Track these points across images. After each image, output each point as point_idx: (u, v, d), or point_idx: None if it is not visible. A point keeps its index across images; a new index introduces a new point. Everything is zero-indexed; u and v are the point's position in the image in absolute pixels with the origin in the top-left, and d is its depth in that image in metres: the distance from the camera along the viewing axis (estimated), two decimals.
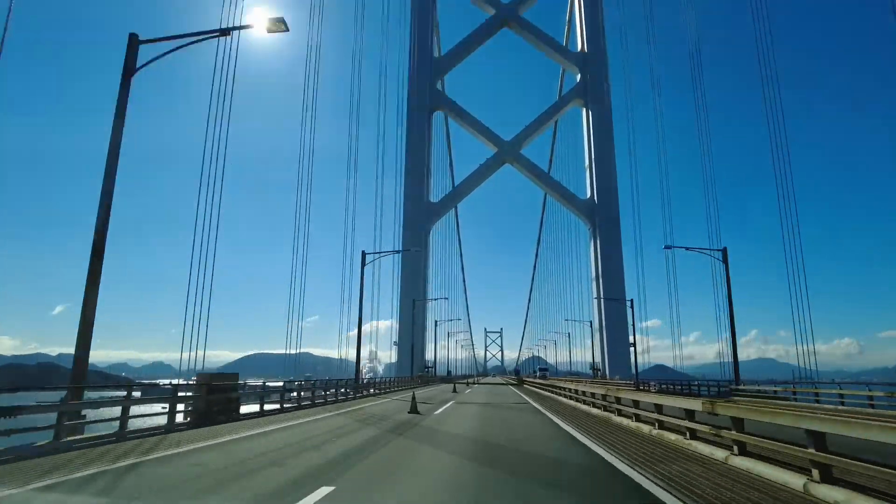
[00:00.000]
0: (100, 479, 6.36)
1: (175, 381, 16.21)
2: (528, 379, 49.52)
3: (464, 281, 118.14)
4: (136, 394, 10.85)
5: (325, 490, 5.67)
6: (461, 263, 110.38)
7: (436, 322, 73.56)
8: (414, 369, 60.41)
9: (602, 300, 75.12)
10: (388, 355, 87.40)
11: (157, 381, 17.83)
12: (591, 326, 71.84)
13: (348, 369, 47.45)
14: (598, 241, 78.26)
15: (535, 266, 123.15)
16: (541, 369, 69.52)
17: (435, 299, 71.42)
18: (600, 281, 77.47)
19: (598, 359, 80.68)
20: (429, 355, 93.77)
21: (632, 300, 49.37)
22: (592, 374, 75.71)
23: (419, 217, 78.87)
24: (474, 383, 59.25)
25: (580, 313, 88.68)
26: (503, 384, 58.53)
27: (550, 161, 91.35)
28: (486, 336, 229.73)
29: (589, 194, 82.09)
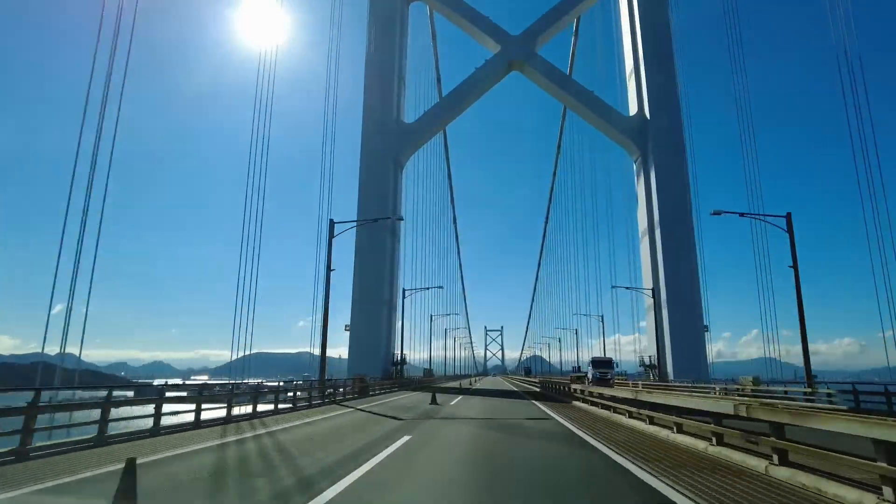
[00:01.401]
0: None
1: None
2: (579, 387, 21.35)
3: (457, 241, 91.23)
4: None
5: None
6: (453, 213, 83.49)
7: (403, 291, 47.27)
8: (350, 364, 34.48)
9: (661, 257, 49.01)
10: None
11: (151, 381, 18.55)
12: (656, 298, 45.48)
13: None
14: (654, 175, 52.01)
15: (546, 219, 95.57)
16: (597, 363, 38.19)
17: (395, 219, 44.90)
18: (656, 233, 51.25)
19: (639, 348, 54.88)
20: (423, 352, 67.42)
21: (789, 214, 23.08)
22: (645, 374, 49.89)
23: (386, 140, 52.72)
24: (459, 389, 33.31)
25: (598, 302, 62.85)
26: (513, 391, 32.45)
27: (570, 73, 64.59)
28: (487, 335, 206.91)
29: (635, 110, 55.87)
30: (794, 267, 22.66)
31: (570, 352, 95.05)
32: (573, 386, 20.70)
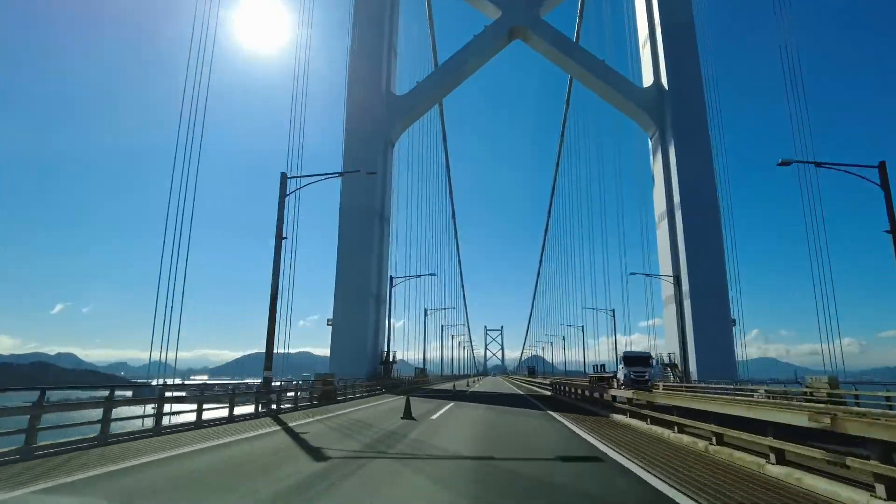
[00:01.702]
0: None
1: None
2: (625, 394, 13.44)
3: (455, 230, 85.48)
4: None
5: None
6: (450, 199, 77.61)
7: (391, 279, 41.56)
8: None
9: (683, 242, 43.40)
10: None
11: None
12: (677, 289, 39.82)
13: None
14: (673, 151, 46.42)
15: (549, 209, 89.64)
16: (631, 359, 28.64)
17: (367, 174, 39.12)
18: (676, 215, 45.67)
19: (652, 346, 49.13)
20: (422, 352, 61.67)
21: (882, 164, 17.45)
22: (663, 375, 44.19)
23: (374, 111, 47.05)
24: (452, 393, 27.60)
25: (606, 296, 57.35)
26: (518, 396, 26.82)
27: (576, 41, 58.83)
28: (487, 334, 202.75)
29: (651, 81, 50.26)
30: (893, 232, 16.97)
31: (571, 351, 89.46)
32: (613, 392, 14.61)
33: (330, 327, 43.18)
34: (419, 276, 42.99)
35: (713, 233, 44.19)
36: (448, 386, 41.54)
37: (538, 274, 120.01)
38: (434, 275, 45.60)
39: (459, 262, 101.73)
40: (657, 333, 51.15)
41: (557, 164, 79.98)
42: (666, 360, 44.29)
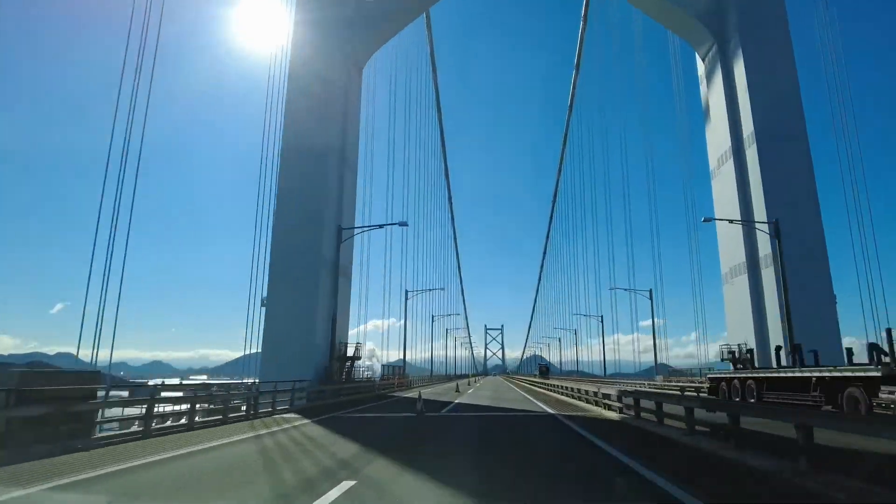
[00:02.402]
0: None
1: None
2: None
3: (451, 212, 72.35)
4: None
5: None
6: (445, 172, 64.42)
7: (340, 230, 28.47)
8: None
9: (760, 191, 30.63)
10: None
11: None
12: (779, 239, 26.93)
13: None
14: (742, 67, 33.78)
15: (557, 182, 76.60)
16: None
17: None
18: (746, 155, 33.09)
19: (732, 336, 36.30)
20: (422, 351, 48.49)
21: None
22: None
23: (335, 23, 34.18)
24: (414, 415, 14.60)
25: (630, 276, 45.23)
26: (560, 430, 14.11)
27: None
28: (487, 333, 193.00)
29: None
30: None
31: (581, 349, 77.07)
32: None
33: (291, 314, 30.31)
34: (381, 226, 29.93)
35: (803, 176, 31.63)
36: (428, 391, 28.53)
37: (542, 266, 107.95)
38: (405, 224, 32.38)
39: (457, 251, 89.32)
40: (713, 330, 38.66)
41: (567, 126, 67.20)
42: (739, 354, 31.44)
